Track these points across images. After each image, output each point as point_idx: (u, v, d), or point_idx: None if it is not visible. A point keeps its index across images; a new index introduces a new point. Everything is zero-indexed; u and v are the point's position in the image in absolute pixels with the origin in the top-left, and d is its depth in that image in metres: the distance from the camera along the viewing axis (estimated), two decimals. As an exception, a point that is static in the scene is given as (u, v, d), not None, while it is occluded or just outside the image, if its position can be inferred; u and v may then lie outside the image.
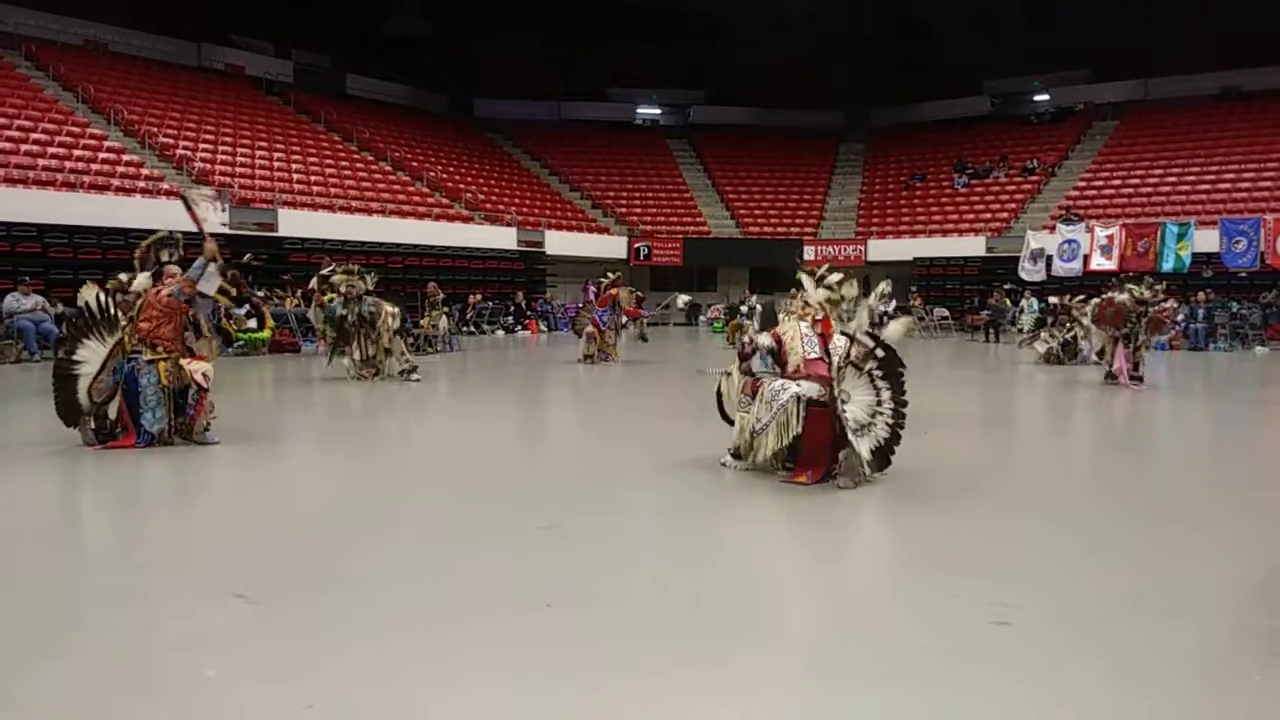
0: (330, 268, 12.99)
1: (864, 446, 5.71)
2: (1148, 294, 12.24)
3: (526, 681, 3.03)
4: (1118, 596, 3.89)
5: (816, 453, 5.87)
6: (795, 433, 5.89)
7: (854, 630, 3.54)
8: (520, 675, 3.08)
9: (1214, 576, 4.16)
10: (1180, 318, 20.57)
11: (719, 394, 6.81)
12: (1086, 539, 4.82)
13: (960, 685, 3.02)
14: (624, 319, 15.91)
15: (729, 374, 6.72)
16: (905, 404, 5.85)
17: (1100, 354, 13.16)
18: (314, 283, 13.06)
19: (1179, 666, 3.18)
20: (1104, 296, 12.90)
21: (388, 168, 28.06)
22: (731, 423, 6.53)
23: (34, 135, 20.33)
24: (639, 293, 21.25)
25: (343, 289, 12.42)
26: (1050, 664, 3.17)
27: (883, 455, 5.79)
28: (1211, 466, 7.53)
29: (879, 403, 5.80)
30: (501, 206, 28.87)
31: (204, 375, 7.19)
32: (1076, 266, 24.24)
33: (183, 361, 7.22)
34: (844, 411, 5.73)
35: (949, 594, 3.88)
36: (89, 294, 7.44)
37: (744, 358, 6.42)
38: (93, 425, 7.18)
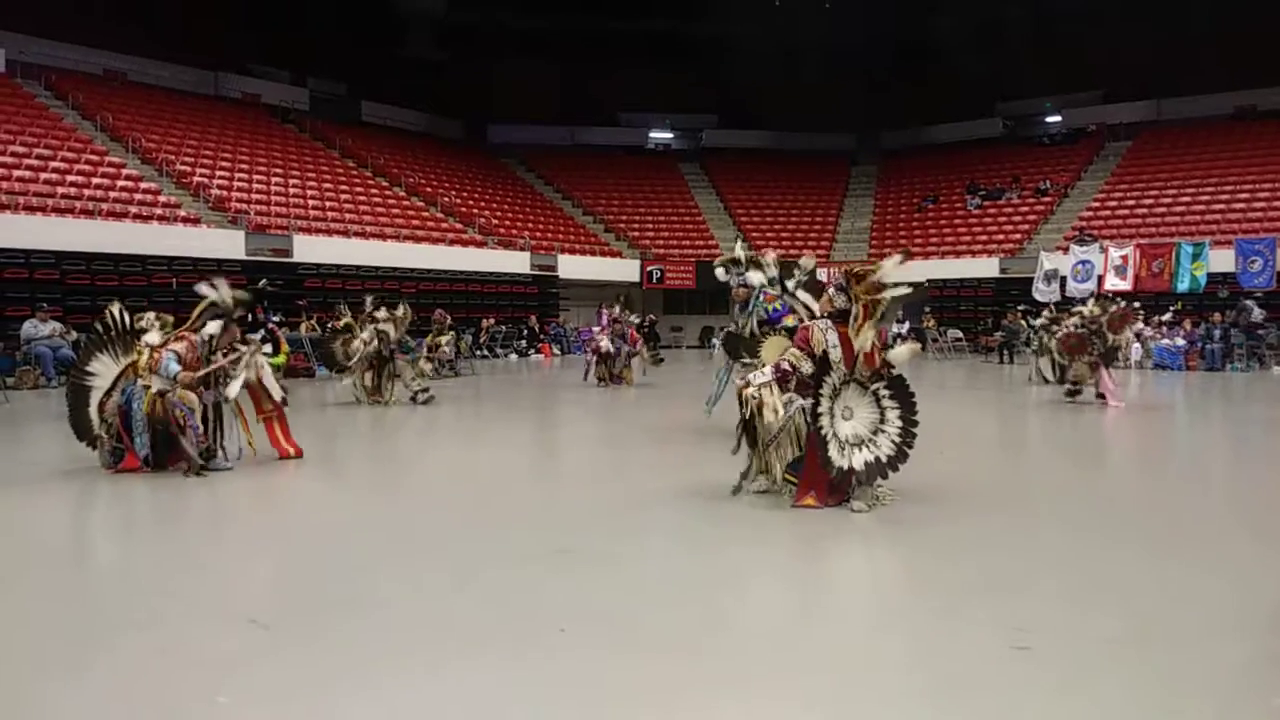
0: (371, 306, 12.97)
1: (859, 459, 5.72)
2: (1096, 310, 12.44)
3: (540, 706, 3.01)
4: (1137, 620, 3.85)
5: (815, 470, 5.84)
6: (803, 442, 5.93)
7: (871, 656, 3.51)
8: (534, 699, 3.06)
9: (1234, 600, 4.11)
10: (1171, 336, 20.53)
11: (750, 412, 6.05)
12: (1104, 563, 4.77)
13: (979, 712, 2.99)
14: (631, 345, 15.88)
15: (758, 389, 6.03)
16: (916, 424, 5.83)
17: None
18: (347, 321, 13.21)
19: (1200, 691, 3.14)
20: (1061, 334, 12.99)
21: (402, 193, 28.25)
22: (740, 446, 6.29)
23: (53, 163, 20.57)
24: (652, 316, 21.16)
25: (389, 329, 12.43)
26: (1070, 689, 3.13)
27: (879, 468, 5.76)
28: (1229, 489, 7.45)
29: (883, 420, 5.80)
30: (515, 231, 29.01)
31: (183, 410, 7.11)
32: (1090, 287, 24.14)
33: (173, 395, 7.14)
34: (821, 426, 5.74)
35: (967, 619, 3.84)
36: (114, 308, 7.52)
37: (783, 381, 6.05)
38: (108, 447, 7.23)
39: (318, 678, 3.23)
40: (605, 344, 15.37)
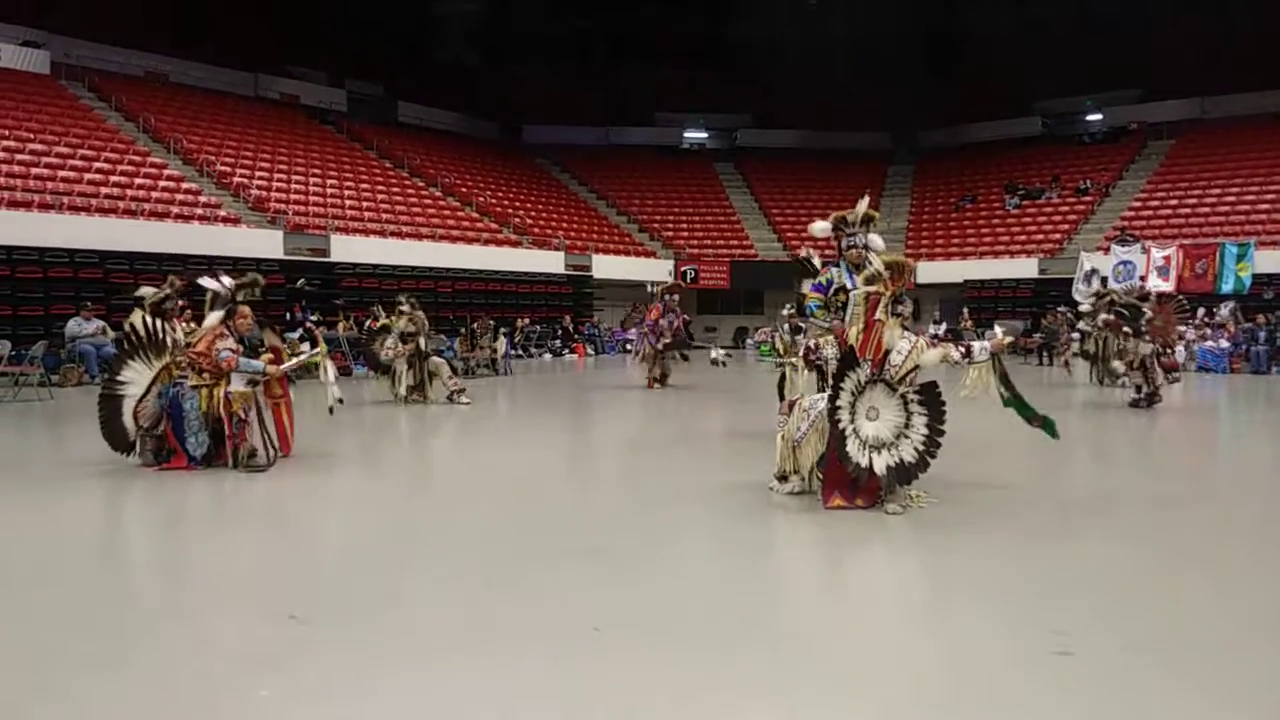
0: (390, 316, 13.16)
1: (880, 463, 5.62)
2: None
3: (575, 704, 3.01)
4: (1183, 623, 3.78)
5: (840, 468, 5.78)
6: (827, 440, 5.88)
7: (909, 660, 3.47)
8: (569, 698, 3.06)
9: (1275, 606, 4.04)
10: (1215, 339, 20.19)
11: (781, 381, 7.19)
12: (1147, 565, 4.70)
13: (1021, 716, 2.94)
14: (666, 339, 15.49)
15: (795, 367, 6.93)
16: (942, 433, 5.71)
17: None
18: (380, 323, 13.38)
19: (1250, 694, 3.08)
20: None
21: (438, 193, 28.43)
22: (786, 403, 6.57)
23: (96, 164, 20.91)
24: (686, 316, 20.95)
25: (403, 325, 12.57)
26: (1115, 694, 3.08)
27: (900, 473, 5.64)
28: (1271, 495, 7.30)
29: (908, 425, 5.70)
30: (549, 231, 29.09)
31: (243, 406, 7.17)
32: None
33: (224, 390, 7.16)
34: (839, 420, 5.67)
35: (1006, 622, 3.79)
36: (135, 318, 7.57)
37: (810, 362, 6.38)
38: (150, 446, 7.30)
39: (356, 673, 3.26)
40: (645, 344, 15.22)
